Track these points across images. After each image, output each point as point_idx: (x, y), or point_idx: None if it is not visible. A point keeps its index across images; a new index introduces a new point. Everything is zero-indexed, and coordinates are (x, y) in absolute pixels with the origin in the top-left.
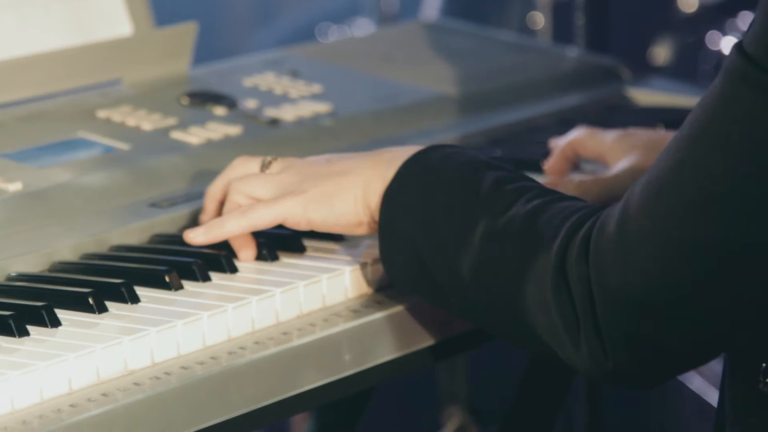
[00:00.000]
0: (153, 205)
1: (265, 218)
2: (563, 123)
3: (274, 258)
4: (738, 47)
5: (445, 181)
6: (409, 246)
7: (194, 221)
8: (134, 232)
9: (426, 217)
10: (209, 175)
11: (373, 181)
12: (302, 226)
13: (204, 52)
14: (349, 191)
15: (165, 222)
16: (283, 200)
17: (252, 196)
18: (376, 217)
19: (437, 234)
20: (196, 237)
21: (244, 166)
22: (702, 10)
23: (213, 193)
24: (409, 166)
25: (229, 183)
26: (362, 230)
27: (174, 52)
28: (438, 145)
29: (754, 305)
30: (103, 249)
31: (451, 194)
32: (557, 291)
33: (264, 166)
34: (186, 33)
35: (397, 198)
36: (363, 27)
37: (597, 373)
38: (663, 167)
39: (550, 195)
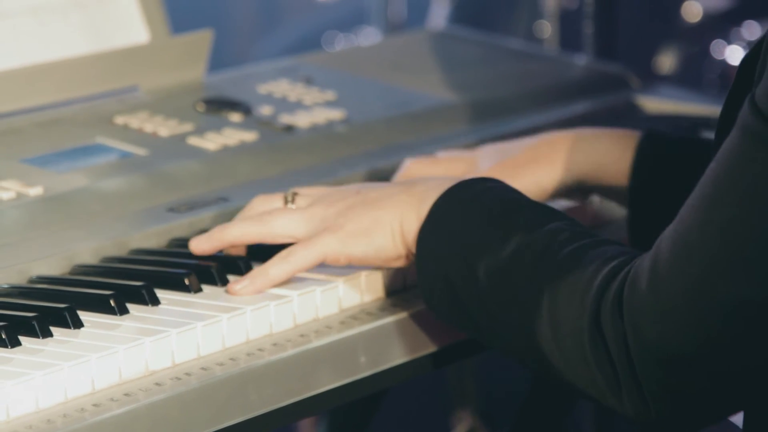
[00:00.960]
0: (171, 209)
1: (307, 260)
2: (572, 130)
3: None
4: (751, 102)
5: (477, 222)
6: (447, 287)
7: (213, 225)
8: (153, 236)
9: (460, 259)
10: (226, 181)
11: (408, 218)
12: (341, 262)
13: (209, 61)
14: (386, 226)
15: (183, 226)
16: (321, 239)
17: (284, 234)
18: (413, 251)
19: (473, 276)
20: (244, 289)
21: (267, 204)
22: (706, 19)
23: (232, 237)
24: (441, 205)
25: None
26: (401, 263)
27: (190, 59)
28: (469, 180)
29: None
30: (122, 252)
31: (484, 236)
32: (594, 347)
33: (288, 202)
34: (201, 40)
35: (431, 238)
36: (369, 36)
37: (640, 420)
38: (689, 225)
39: (583, 239)
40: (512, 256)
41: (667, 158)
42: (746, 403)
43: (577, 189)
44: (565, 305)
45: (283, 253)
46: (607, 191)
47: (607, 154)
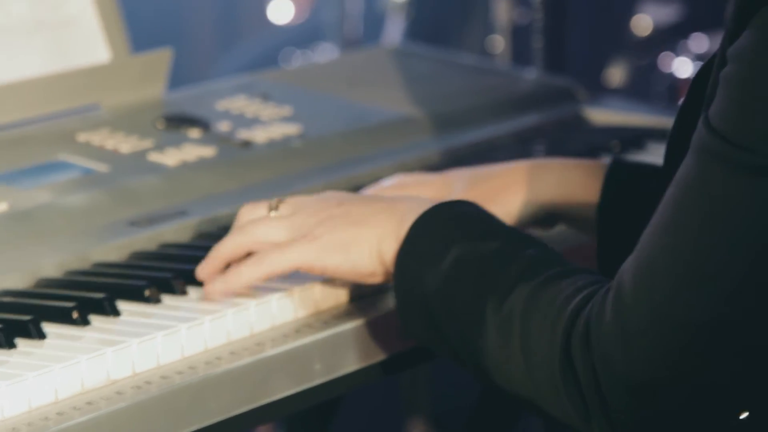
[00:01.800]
0: (132, 224)
1: (281, 265)
2: (522, 142)
3: None
4: (705, 122)
5: (455, 246)
6: (424, 309)
7: (173, 239)
8: (115, 250)
9: (439, 282)
10: (185, 195)
11: (387, 237)
12: (316, 272)
13: (169, 79)
14: (364, 243)
15: (144, 240)
16: (297, 246)
17: (267, 241)
18: (390, 270)
19: (449, 303)
20: (215, 289)
21: (252, 213)
22: (655, 32)
23: (224, 253)
24: (420, 226)
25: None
26: (375, 280)
27: (150, 78)
28: (448, 202)
29: (756, 376)
30: (85, 266)
31: (462, 260)
32: (565, 379)
33: (272, 209)
34: (161, 59)
35: (408, 262)
36: (326, 52)
37: None
38: (651, 252)
39: (557, 267)
40: (489, 283)
41: (634, 187)
42: (718, 427)
43: (545, 218)
44: (538, 335)
45: (259, 255)
46: (576, 221)
47: (575, 184)
